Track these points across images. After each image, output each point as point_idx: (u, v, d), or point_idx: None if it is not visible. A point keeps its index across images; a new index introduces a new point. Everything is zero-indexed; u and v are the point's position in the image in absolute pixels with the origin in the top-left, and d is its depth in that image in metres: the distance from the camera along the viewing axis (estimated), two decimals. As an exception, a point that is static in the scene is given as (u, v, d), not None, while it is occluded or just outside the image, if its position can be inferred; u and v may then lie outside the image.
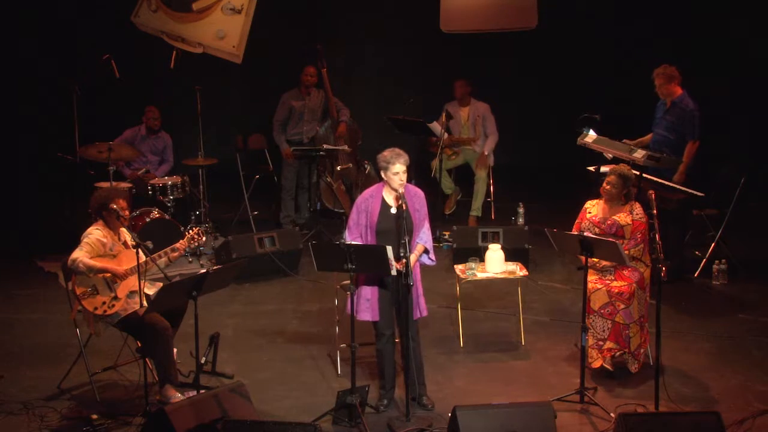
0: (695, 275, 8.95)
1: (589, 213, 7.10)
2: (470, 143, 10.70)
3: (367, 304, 6.32)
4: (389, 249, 5.94)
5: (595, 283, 6.88)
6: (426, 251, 6.41)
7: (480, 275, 7.52)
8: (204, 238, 7.00)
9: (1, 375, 7.02)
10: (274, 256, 9.11)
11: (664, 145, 8.64)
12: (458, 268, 7.62)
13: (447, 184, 10.78)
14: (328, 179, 10.32)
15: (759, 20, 11.41)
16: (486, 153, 10.62)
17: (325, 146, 10.18)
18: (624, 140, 8.50)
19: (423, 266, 6.56)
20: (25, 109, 11.62)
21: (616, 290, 6.82)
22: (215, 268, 6.78)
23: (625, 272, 6.91)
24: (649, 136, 8.89)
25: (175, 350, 6.64)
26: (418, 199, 6.37)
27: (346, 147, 10.28)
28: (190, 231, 6.82)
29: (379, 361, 6.49)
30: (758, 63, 11.51)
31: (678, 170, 8.53)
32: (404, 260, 6.07)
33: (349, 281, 6.31)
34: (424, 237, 6.38)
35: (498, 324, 7.95)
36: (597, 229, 6.95)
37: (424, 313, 6.46)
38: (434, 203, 6.59)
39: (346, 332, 6.59)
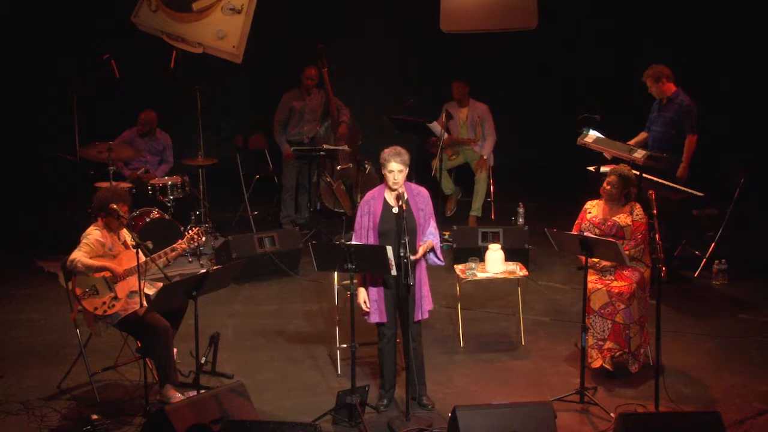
0: (695, 275, 8.96)
1: (589, 213, 7.09)
2: (470, 144, 10.71)
3: (375, 305, 6.31)
4: (389, 249, 5.94)
5: (595, 283, 6.88)
6: (432, 249, 6.36)
7: (480, 275, 7.52)
8: (204, 238, 7.00)
9: (1, 375, 7.02)
10: (274, 256, 9.12)
11: (663, 142, 8.65)
12: (458, 268, 7.62)
13: (447, 185, 10.79)
14: (328, 179, 10.33)
15: (759, 19, 11.42)
16: (485, 157, 10.64)
17: (325, 146, 10.18)
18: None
19: (428, 267, 6.51)
20: (25, 109, 11.62)
21: (616, 290, 6.82)
22: (215, 268, 6.78)
23: (625, 272, 6.91)
24: (642, 136, 8.89)
25: (175, 350, 6.64)
26: (421, 198, 6.36)
27: (346, 147, 10.28)
28: (190, 231, 6.83)
29: (380, 360, 6.49)
30: (758, 63, 11.52)
31: (680, 166, 8.54)
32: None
33: (349, 281, 6.32)
34: (430, 236, 6.34)
35: (498, 324, 7.95)
36: (597, 230, 6.95)
37: (425, 316, 6.44)
38: (435, 203, 6.58)
39: (346, 332, 6.59)
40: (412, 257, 6.13)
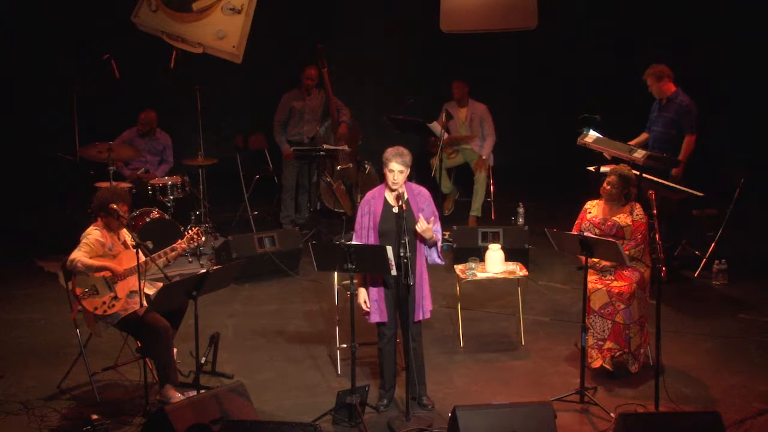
0: (695, 275, 8.96)
1: (589, 213, 7.09)
2: (468, 141, 10.71)
3: (376, 305, 6.31)
4: (389, 249, 5.94)
5: (595, 283, 6.88)
6: (435, 245, 6.35)
7: (480, 275, 7.52)
8: (203, 238, 7.00)
9: (1, 375, 7.02)
10: (274, 256, 9.12)
11: (664, 142, 8.65)
12: (458, 268, 7.62)
13: (445, 184, 10.78)
14: (328, 179, 10.33)
15: (759, 19, 11.42)
16: (484, 157, 10.64)
17: (325, 146, 10.19)
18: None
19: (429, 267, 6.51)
20: (25, 109, 11.62)
21: (616, 290, 6.82)
22: (215, 268, 6.77)
23: (625, 272, 6.91)
24: (643, 136, 8.90)
25: (175, 350, 6.64)
26: (422, 198, 6.36)
27: (346, 147, 10.28)
28: (190, 231, 6.83)
29: (381, 360, 6.49)
30: (758, 62, 11.52)
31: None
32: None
33: (349, 281, 6.32)
34: (436, 233, 6.33)
35: (498, 324, 7.95)
36: (597, 230, 6.95)
37: (427, 316, 6.44)
38: (435, 203, 6.58)
39: (346, 332, 6.59)
40: (420, 227, 6.12)
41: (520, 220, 10.12)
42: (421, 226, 6.14)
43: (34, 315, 8.30)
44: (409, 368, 6.24)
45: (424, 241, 6.27)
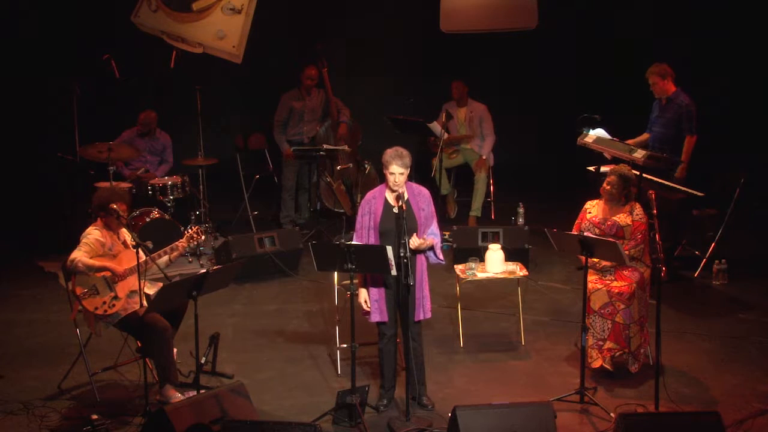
0: (695, 275, 8.96)
1: (589, 213, 7.09)
2: (467, 141, 10.72)
3: (376, 305, 6.32)
4: (389, 249, 5.95)
5: (595, 283, 6.88)
6: (433, 248, 6.37)
7: (480, 275, 7.52)
8: (203, 237, 6.99)
9: (1, 375, 7.02)
10: (274, 256, 9.12)
11: (664, 142, 8.66)
12: (458, 268, 7.62)
13: (444, 184, 10.79)
14: (328, 179, 10.33)
15: (759, 19, 11.42)
16: (484, 157, 10.65)
17: (325, 146, 10.18)
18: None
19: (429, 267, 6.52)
20: (25, 109, 11.62)
21: (616, 290, 6.82)
22: (215, 268, 6.77)
23: (625, 272, 6.91)
24: (644, 136, 8.90)
25: (175, 350, 6.64)
26: (422, 198, 6.36)
27: (346, 147, 10.27)
28: (189, 230, 6.83)
29: (381, 360, 6.49)
30: (758, 62, 11.52)
31: (680, 167, 8.55)
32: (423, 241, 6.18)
33: (349, 281, 6.33)
34: (431, 236, 6.35)
35: (498, 324, 7.95)
36: (597, 230, 6.95)
37: (428, 315, 6.44)
38: (435, 204, 6.59)
39: (346, 332, 6.60)
40: (412, 244, 6.13)
41: (520, 220, 10.12)
42: (414, 242, 6.16)
43: (34, 315, 8.30)
44: (409, 368, 6.24)
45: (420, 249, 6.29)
